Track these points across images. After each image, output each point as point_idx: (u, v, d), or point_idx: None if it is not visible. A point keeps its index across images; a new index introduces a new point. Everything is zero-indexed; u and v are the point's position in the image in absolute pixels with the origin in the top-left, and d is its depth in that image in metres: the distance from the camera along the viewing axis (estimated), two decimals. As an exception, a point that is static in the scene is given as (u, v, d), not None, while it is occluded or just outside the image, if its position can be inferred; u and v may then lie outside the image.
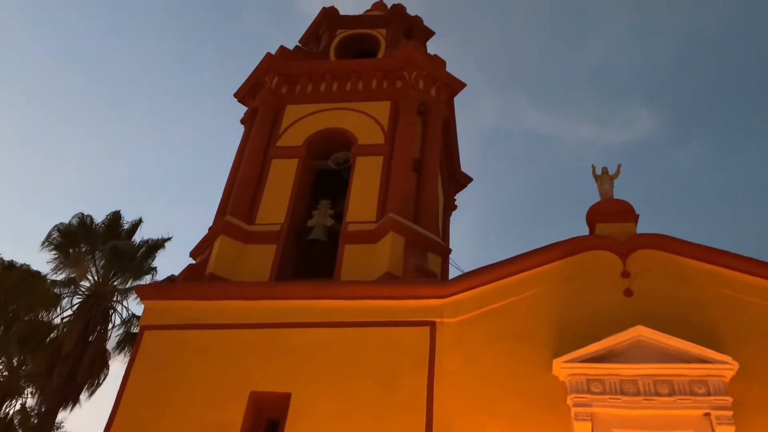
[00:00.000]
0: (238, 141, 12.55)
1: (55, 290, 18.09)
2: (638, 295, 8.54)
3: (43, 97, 40.21)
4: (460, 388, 8.11)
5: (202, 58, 42.66)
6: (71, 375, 16.95)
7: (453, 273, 10.83)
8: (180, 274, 10.21)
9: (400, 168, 10.84)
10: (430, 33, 14.84)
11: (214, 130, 41.97)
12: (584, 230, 9.63)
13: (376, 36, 14.01)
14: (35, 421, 17.65)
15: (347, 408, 8.14)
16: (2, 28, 37.12)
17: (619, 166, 10.00)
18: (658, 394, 7.56)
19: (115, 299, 18.77)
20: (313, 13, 14.63)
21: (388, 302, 8.88)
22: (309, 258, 10.83)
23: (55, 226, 18.84)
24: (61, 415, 17.54)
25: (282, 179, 11.21)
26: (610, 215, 9.39)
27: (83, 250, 18.85)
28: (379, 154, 11.19)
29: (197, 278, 9.89)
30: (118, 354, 18.24)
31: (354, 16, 14.59)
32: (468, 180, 14.60)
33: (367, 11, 15.32)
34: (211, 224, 11.09)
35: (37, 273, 18.20)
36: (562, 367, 7.87)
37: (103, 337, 18.24)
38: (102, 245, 18.84)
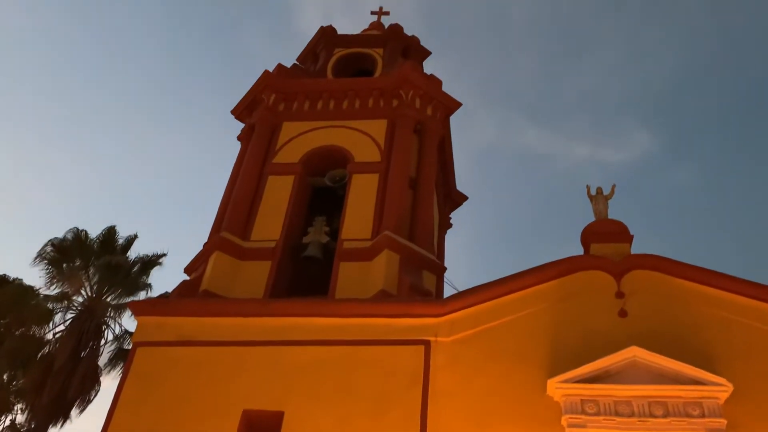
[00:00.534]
0: (234, 158, 12.58)
1: (48, 305, 17.97)
2: (633, 316, 8.55)
3: (39, 111, 40.26)
4: (455, 408, 8.06)
5: (198, 74, 42.88)
6: (62, 391, 16.79)
7: (448, 291, 10.86)
8: (174, 291, 10.18)
9: (395, 186, 10.88)
10: (426, 53, 14.98)
11: (210, 147, 42.07)
12: (579, 250, 9.67)
13: (373, 55, 14.12)
14: (25, 438, 17.45)
15: (341, 427, 8.07)
16: None
17: (614, 186, 10.08)
18: (652, 415, 7.54)
19: (108, 315, 18.66)
20: (311, 30, 14.78)
21: (382, 320, 8.86)
22: (304, 275, 10.81)
23: (49, 240, 18.78)
24: (52, 432, 17.34)
25: (278, 196, 11.23)
26: (604, 235, 9.43)
27: (77, 265, 18.76)
28: (375, 171, 11.23)
29: (191, 295, 9.85)
30: (110, 370, 18.11)
31: (351, 36, 14.73)
32: (463, 198, 14.66)
33: (364, 30, 15.47)
34: (206, 240, 11.07)
35: (30, 288, 18.09)
36: (557, 388, 7.85)
37: (95, 353, 18.10)
38: (96, 260, 18.75)
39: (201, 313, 9.36)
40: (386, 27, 15.03)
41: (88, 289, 18.71)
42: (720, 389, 7.58)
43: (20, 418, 18.21)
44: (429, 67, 14.91)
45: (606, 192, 10.03)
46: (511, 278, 9.08)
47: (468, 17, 41.37)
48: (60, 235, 18.98)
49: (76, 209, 40.22)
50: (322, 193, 11.93)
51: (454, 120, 13.47)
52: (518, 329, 8.66)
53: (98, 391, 18.06)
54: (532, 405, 7.94)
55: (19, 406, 18.25)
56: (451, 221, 14.55)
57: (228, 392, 8.54)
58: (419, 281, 9.81)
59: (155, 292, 18.81)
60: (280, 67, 13.19)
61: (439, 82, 13.19)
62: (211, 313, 9.34)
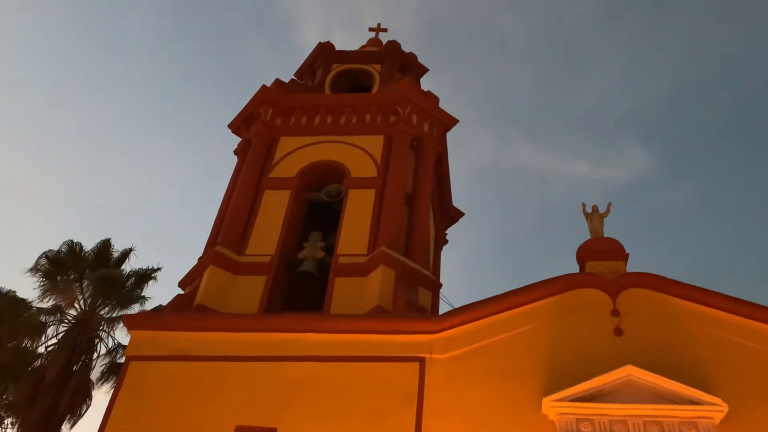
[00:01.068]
0: (231, 172, 12.58)
1: (41, 318, 17.84)
2: (628, 334, 8.54)
3: (35, 123, 40.28)
4: (449, 426, 8.01)
5: (197, 88, 43.01)
6: (53, 405, 16.60)
7: (443, 308, 10.82)
8: (168, 305, 10.13)
9: (392, 201, 10.88)
10: (424, 70, 15.08)
11: (207, 161, 42.08)
12: (575, 267, 9.67)
13: (370, 71, 14.20)
14: (14, 452, 17.25)
15: (334, 444, 7.99)
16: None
17: (609, 204, 10.12)
18: (648, 435, 7.50)
19: (101, 328, 18.53)
20: (311, 46, 14.87)
21: (377, 337, 8.83)
22: (299, 290, 10.78)
23: (44, 252, 18.67)
24: (42, 446, 17.11)
25: (274, 210, 11.22)
26: (600, 253, 9.45)
27: (71, 277, 18.65)
28: (372, 187, 11.25)
29: (185, 309, 9.80)
30: (102, 384, 17.94)
31: (349, 52, 14.82)
32: (459, 215, 14.68)
33: (362, 47, 15.56)
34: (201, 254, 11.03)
35: (24, 300, 17.96)
36: (552, 406, 7.81)
37: (88, 367, 17.93)
38: (91, 273, 18.65)
39: (195, 327, 9.31)
40: (384, 44, 15.13)
41: (81, 302, 18.59)
42: (715, 409, 7.56)
43: (10, 432, 18.02)
44: (427, 83, 15.02)
45: (602, 210, 10.06)
46: (506, 295, 9.07)
47: (466, 34, 41.76)
48: (55, 247, 18.91)
49: (71, 222, 40.11)
50: (318, 208, 11.93)
51: (452, 136, 13.56)
52: (514, 347, 8.63)
53: (90, 406, 17.86)
54: (527, 423, 7.89)
55: (10, 420, 18.05)
56: (447, 237, 14.56)
57: (221, 408, 8.48)
58: (415, 297, 9.79)
59: (152, 306, 18.69)
60: (277, 82, 13.25)
61: (436, 99, 13.27)
62: (205, 327, 9.29)
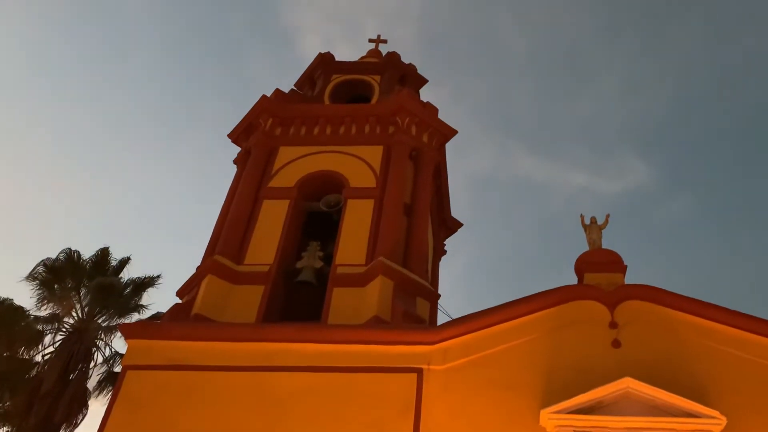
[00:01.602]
0: (230, 181, 12.59)
1: (38, 326, 17.78)
2: (626, 347, 8.53)
3: (33, 131, 40.32)
4: (447, 438, 7.96)
5: (196, 98, 43.11)
6: (49, 414, 16.52)
7: (442, 319, 10.79)
8: (165, 314, 10.11)
9: (390, 212, 10.90)
10: (423, 81, 15.15)
11: (207, 170, 42.10)
12: (574, 279, 9.67)
13: (370, 82, 14.26)
14: (9, 462, 17.13)
15: (331, 455, 7.97)
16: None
17: (608, 216, 10.14)
18: (645, 447, 7.48)
19: (99, 337, 18.47)
20: (311, 56, 14.95)
21: (375, 347, 8.81)
22: (297, 300, 10.76)
23: (42, 260, 18.65)
24: (37, 456, 17.01)
25: (272, 220, 11.23)
26: (598, 265, 9.45)
27: (69, 286, 18.61)
28: (371, 197, 11.26)
29: (183, 318, 9.77)
30: (99, 394, 17.87)
31: (349, 62, 14.89)
32: (458, 225, 14.69)
33: (362, 58, 15.64)
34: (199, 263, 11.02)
35: (20, 308, 17.91)
36: (550, 418, 7.79)
37: (84, 376, 17.87)
38: (88, 282, 18.62)
39: (192, 337, 9.29)
40: (384, 55, 15.21)
41: (79, 310, 18.55)
42: (713, 422, 7.54)
43: (6, 442, 17.91)
44: (427, 94, 15.09)
45: (600, 222, 10.07)
46: (504, 306, 9.07)
47: (466, 45, 41.91)
48: (53, 255, 18.89)
49: (70, 230, 40.05)
50: (316, 217, 11.94)
51: (451, 147, 13.60)
52: (512, 358, 8.62)
53: (86, 415, 17.77)
54: (524, 436, 7.85)
55: (5, 429, 17.95)
56: (446, 248, 14.56)
57: (218, 418, 8.44)
58: (413, 308, 9.78)
59: (150, 315, 18.63)
60: (277, 92, 13.31)
61: (435, 110, 13.31)
62: (202, 337, 9.27)
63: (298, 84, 15.03)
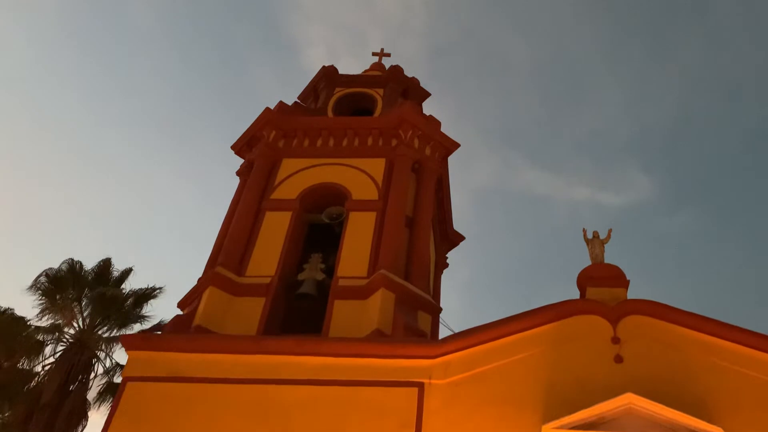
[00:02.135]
0: (232, 193, 12.62)
1: (39, 337, 17.76)
2: (628, 362, 8.47)
3: (37, 142, 40.52)
4: (447, 453, 7.92)
5: (201, 109, 43.30)
6: (49, 425, 16.45)
7: (443, 333, 10.75)
8: (166, 325, 10.09)
9: (392, 224, 10.89)
10: (426, 94, 15.20)
11: (210, 181, 42.19)
12: (576, 293, 9.63)
13: (373, 95, 14.32)
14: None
15: (330, 470, 7.92)
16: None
17: (610, 230, 10.10)
18: (648, 464, 7.42)
19: (99, 348, 18.44)
20: (315, 69, 15.05)
21: (376, 361, 8.76)
22: (298, 312, 10.74)
23: (44, 270, 18.67)
24: (36, 467, 16.91)
25: (274, 232, 11.23)
26: (600, 280, 9.41)
27: (70, 296, 18.60)
28: (373, 210, 11.26)
29: (184, 330, 9.75)
30: (99, 405, 17.80)
31: (352, 75, 14.96)
32: (460, 238, 14.67)
33: (365, 71, 15.72)
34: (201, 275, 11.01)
35: (21, 318, 17.89)
36: (551, 434, 7.72)
37: (85, 387, 17.82)
38: (90, 292, 18.61)
39: (192, 348, 9.26)
40: (387, 68, 15.28)
41: (80, 321, 18.53)
42: (716, 439, 7.47)
43: (4, 452, 17.82)
44: (431, 106, 15.19)
45: (603, 236, 10.04)
46: (506, 321, 9.02)
47: (470, 59, 42.13)
48: (55, 265, 18.90)
49: (72, 240, 40.10)
50: (318, 229, 11.94)
51: (454, 160, 13.62)
52: (513, 373, 8.56)
53: (85, 426, 17.70)
54: (526, 451, 7.79)
55: (4, 439, 17.88)
56: (448, 261, 14.54)
57: (218, 431, 8.39)
58: (414, 321, 9.74)
59: (151, 326, 18.58)
60: (281, 104, 13.35)
61: (438, 123, 13.35)
62: (203, 349, 9.24)
63: (302, 96, 15.10)
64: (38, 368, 17.79)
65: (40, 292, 18.36)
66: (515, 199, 41.04)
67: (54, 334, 18.11)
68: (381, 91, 14.37)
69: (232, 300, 10.17)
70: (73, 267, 18.88)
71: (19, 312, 18.09)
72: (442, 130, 13.15)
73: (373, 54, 16.27)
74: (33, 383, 17.39)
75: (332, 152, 12.40)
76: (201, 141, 42.46)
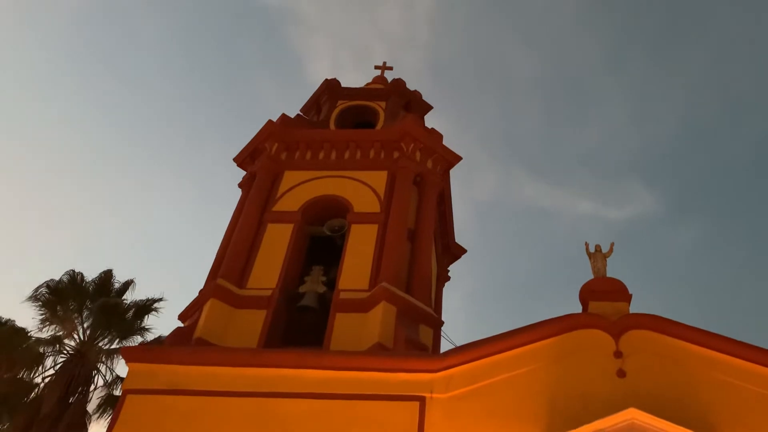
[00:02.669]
0: (234, 205, 12.63)
1: (39, 348, 17.71)
2: (631, 377, 8.42)
3: (39, 154, 40.63)
4: (449, 468, 7.86)
5: (205, 121, 43.44)
6: (48, 437, 16.38)
7: (445, 346, 10.71)
8: (167, 338, 10.06)
9: (394, 237, 10.88)
10: (428, 107, 15.25)
11: (212, 193, 42.27)
12: (579, 307, 9.59)
13: (375, 108, 14.36)
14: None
15: (331, 484, 7.86)
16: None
17: (612, 244, 10.07)
18: (651, 480, 7.35)
19: (100, 360, 18.38)
20: (320, 82, 15.10)
21: (377, 374, 8.71)
22: (299, 325, 10.70)
23: (45, 282, 18.66)
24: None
25: (276, 244, 11.22)
26: (602, 294, 9.37)
27: (71, 307, 18.58)
28: (375, 222, 11.26)
29: (184, 342, 9.72)
30: (99, 417, 17.72)
31: (355, 89, 15.01)
32: (462, 251, 14.65)
33: (367, 84, 15.78)
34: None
35: (22, 330, 17.86)
36: (554, 449, 7.67)
37: (84, 399, 17.75)
38: (91, 303, 18.59)
39: (193, 361, 9.23)
40: (389, 81, 15.33)
41: (80, 332, 18.50)
42: (720, 455, 7.41)
43: (3, 465, 17.73)
44: (433, 119, 15.19)
45: (605, 250, 10.02)
46: (508, 335, 8.98)
47: (473, 72, 42.29)
48: (56, 276, 18.89)
49: (73, 252, 40.11)
50: (320, 242, 11.93)
51: (457, 173, 13.66)
52: (516, 387, 8.51)
53: (84, 439, 17.62)
54: (528, 466, 7.74)
55: (3, 451, 17.79)
56: (450, 274, 14.51)
57: (217, 444, 8.34)
58: (416, 335, 9.70)
59: (153, 338, 18.54)
60: (283, 117, 13.40)
61: (439, 136, 13.37)
62: (203, 361, 9.20)
63: (304, 109, 15.15)
64: (38, 380, 17.74)
65: (40, 303, 18.35)
66: (518, 212, 41.07)
67: (54, 345, 18.07)
68: (383, 104, 14.42)
69: (233, 312, 10.14)
70: (74, 278, 18.87)
71: (19, 323, 18.08)
72: (445, 143, 13.18)
73: (376, 67, 16.35)
74: (33, 395, 17.33)
75: (334, 165, 12.42)
76: (204, 153, 42.62)
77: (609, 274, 9.72)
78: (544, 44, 40.75)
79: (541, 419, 8.11)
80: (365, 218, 11.37)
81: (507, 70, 41.79)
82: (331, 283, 10.77)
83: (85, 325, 18.58)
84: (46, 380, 17.60)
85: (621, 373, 8.48)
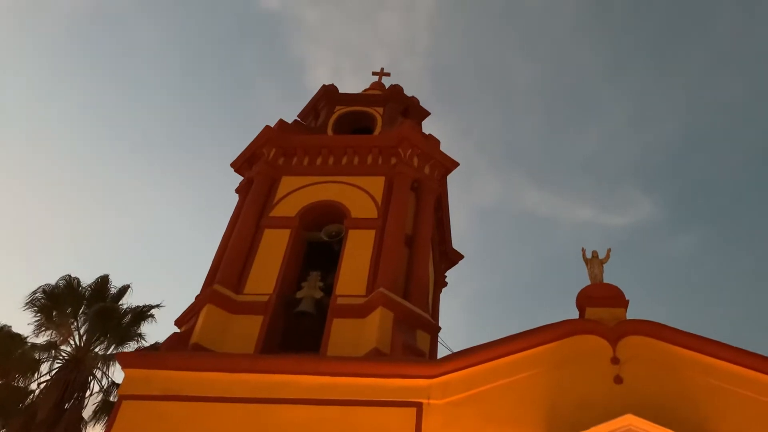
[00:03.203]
0: (231, 210, 12.61)
1: (35, 354, 17.63)
2: (628, 383, 8.42)
3: (36, 158, 40.59)
4: (446, 474, 7.84)
5: (203, 128, 43.42)
6: (43, 443, 16.29)
7: (442, 352, 10.68)
8: (163, 343, 10.03)
9: (392, 242, 10.88)
10: (425, 113, 15.28)
11: (209, 198, 42.20)
12: (576, 313, 9.58)
13: (373, 114, 14.39)
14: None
15: (327, 491, 7.83)
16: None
17: (609, 250, 10.09)
18: (648, 486, 7.34)
19: (96, 366, 18.29)
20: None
21: (374, 380, 8.69)
22: (296, 331, 10.68)
23: (41, 286, 18.58)
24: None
25: (273, 249, 11.21)
26: (599, 299, 9.38)
27: (68, 311, 18.50)
28: (372, 228, 11.26)
29: (181, 348, 9.68)
30: (94, 423, 17.63)
31: (352, 94, 15.05)
32: (459, 257, 14.66)
33: (365, 90, 15.81)
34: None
35: (18, 335, 17.77)
36: (551, 455, 7.65)
37: (80, 405, 17.66)
38: (87, 309, 18.51)
39: (189, 367, 9.19)
40: (387, 87, 15.36)
41: (76, 338, 18.42)
42: (717, 461, 7.41)
43: (-2, 471, 17.61)
44: (433, 127, 15.29)
45: (602, 256, 10.03)
46: (505, 340, 8.97)
47: (473, 79, 42.39)
48: (52, 282, 18.81)
49: (70, 257, 40.00)
50: (317, 247, 11.92)
51: (456, 179, 13.66)
52: (513, 393, 8.50)
53: (80, 445, 17.51)
54: (525, 473, 7.72)
55: (-2, 458, 17.67)
56: (447, 280, 14.51)
57: (213, 451, 8.30)
58: (413, 341, 9.68)
59: (151, 344, 18.47)
60: (281, 122, 13.41)
61: (437, 142, 13.40)
62: (200, 367, 9.17)
63: (302, 115, 15.17)
64: (34, 386, 17.64)
65: (36, 308, 18.26)
66: (517, 218, 41.08)
67: (50, 351, 17.97)
68: (381, 109, 14.45)
69: (230, 318, 10.12)
70: (71, 283, 18.79)
71: (15, 329, 17.99)
72: (444, 149, 13.23)
73: (374, 73, 16.40)
74: (28, 401, 17.23)
75: (332, 170, 12.43)
76: (202, 159, 42.57)
77: (607, 280, 9.73)
78: (544, 50, 40.92)
79: (538, 425, 8.09)
80: (363, 224, 11.37)
81: (507, 75, 41.95)
82: (329, 289, 10.75)
83: (81, 331, 18.49)
84: (42, 386, 17.51)
85: (618, 379, 8.47)
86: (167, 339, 10.02)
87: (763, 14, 34.66)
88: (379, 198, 11.76)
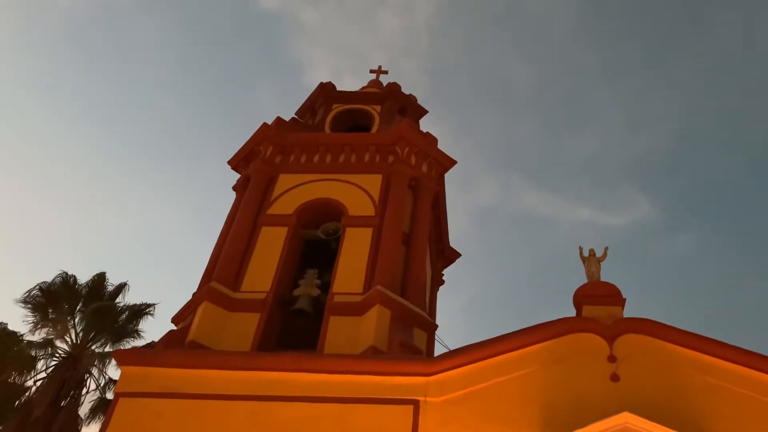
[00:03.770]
0: (229, 208, 12.59)
1: (31, 352, 17.60)
2: (625, 381, 8.42)
3: (34, 157, 40.48)
4: (442, 472, 7.84)
5: (201, 127, 43.32)
6: (39, 441, 16.26)
7: (439, 350, 10.69)
8: (160, 341, 10.01)
9: (389, 241, 10.87)
10: (423, 111, 15.25)
11: (206, 196, 42.16)
12: (573, 312, 9.59)
13: (370, 112, 14.36)
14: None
15: (324, 488, 7.83)
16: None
17: (606, 248, 10.09)
18: (644, 484, 7.35)
19: (92, 363, 18.26)
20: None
21: (371, 378, 8.69)
22: (293, 328, 10.67)
23: (37, 284, 18.54)
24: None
25: (270, 247, 11.19)
26: (596, 298, 9.38)
27: (64, 308, 18.47)
28: (369, 226, 11.25)
29: (178, 345, 9.67)
30: (91, 421, 17.61)
31: (350, 92, 15.01)
32: (456, 255, 14.65)
33: (363, 88, 15.78)
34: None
35: (14, 333, 17.74)
36: (547, 453, 7.66)
37: (77, 403, 17.64)
38: (84, 307, 18.49)
39: (186, 364, 9.17)
40: (384, 85, 15.34)
41: (73, 335, 18.39)
42: (714, 459, 7.42)
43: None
44: (432, 126, 15.28)
45: (599, 254, 10.03)
46: (502, 338, 8.98)
47: (471, 80, 42.39)
48: (49, 279, 18.77)
49: (67, 255, 39.93)
50: (314, 245, 11.90)
51: (455, 180, 13.67)
52: (510, 391, 8.50)
53: (76, 443, 17.49)
54: (522, 471, 7.73)
55: (-6, 456, 17.64)
56: (444, 278, 14.50)
57: (210, 448, 8.29)
58: (410, 338, 9.68)
59: (145, 342, 18.46)
60: (278, 120, 13.38)
61: (434, 140, 13.38)
62: (197, 365, 9.15)
63: (300, 113, 15.13)
64: (30, 383, 17.62)
65: (32, 306, 18.23)
66: (515, 218, 41.06)
67: (46, 348, 17.96)
68: (378, 107, 14.42)
69: (227, 315, 10.11)
70: (67, 281, 18.77)
71: (12, 327, 17.96)
72: (443, 149, 13.19)
73: (371, 71, 16.35)
74: (24, 398, 17.21)
75: (329, 168, 12.41)
76: (200, 158, 42.51)
77: (605, 279, 9.73)
78: (542, 53, 40.92)
79: (535, 423, 8.10)
80: (360, 222, 11.36)
81: (505, 78, 41.93)
82: (326, 287, 10.74)
83: (78, 328, 18.48)
84: (38, 384, 17.50)
85: (615, 377, 8.48)
86: (164, 336, 10.00)
87: (761, 16, 34.72)
88: (376, 196, 11.76)
